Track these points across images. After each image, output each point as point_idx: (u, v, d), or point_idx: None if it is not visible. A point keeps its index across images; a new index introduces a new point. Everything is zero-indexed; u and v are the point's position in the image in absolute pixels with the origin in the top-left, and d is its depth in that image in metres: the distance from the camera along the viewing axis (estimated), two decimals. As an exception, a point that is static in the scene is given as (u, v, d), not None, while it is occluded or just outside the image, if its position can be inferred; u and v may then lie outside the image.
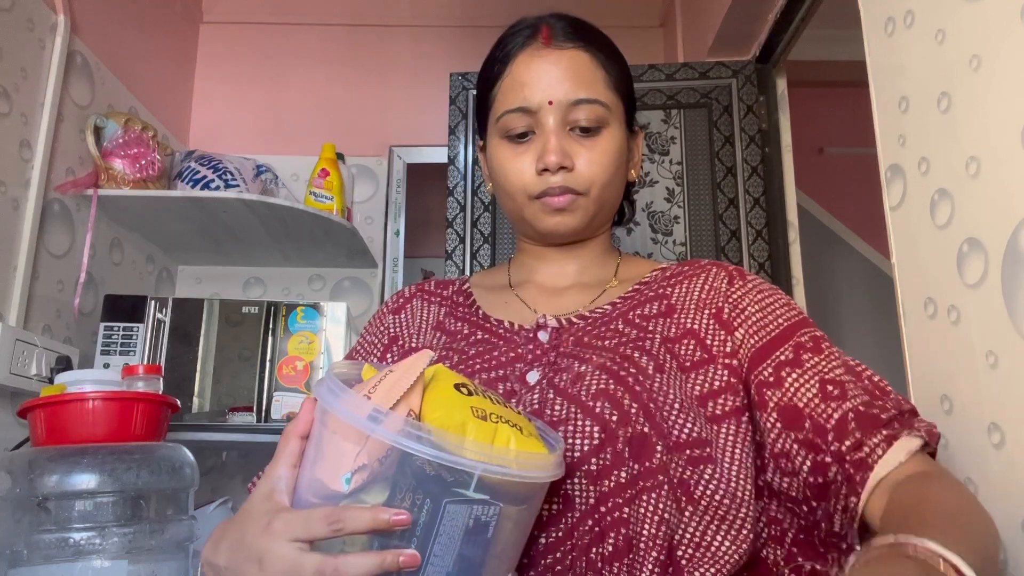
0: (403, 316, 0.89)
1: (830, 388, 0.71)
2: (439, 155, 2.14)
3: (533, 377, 0.75)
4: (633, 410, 0.69)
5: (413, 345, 0.86)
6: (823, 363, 0.74)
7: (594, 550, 0.66)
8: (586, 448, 0.68)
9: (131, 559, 1.04)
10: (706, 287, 0.82)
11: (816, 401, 0.71)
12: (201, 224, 1.86)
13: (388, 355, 0.87)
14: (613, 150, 0.83)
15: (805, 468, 0.69)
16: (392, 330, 0.89)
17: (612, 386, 0.71)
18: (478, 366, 0.77)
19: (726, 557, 0.68)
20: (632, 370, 0.73)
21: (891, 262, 1.03)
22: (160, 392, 1.22)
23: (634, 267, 0.90)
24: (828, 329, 2.89)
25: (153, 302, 1.68)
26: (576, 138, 0.82)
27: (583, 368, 0.73)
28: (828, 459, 0.68)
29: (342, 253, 2.08)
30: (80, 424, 1.10)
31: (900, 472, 0.66)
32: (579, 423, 0.69)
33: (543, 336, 0.79)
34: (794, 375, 0.73)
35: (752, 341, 0.76)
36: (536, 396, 0.72)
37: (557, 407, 0.70)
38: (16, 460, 1.07)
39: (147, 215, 1.81)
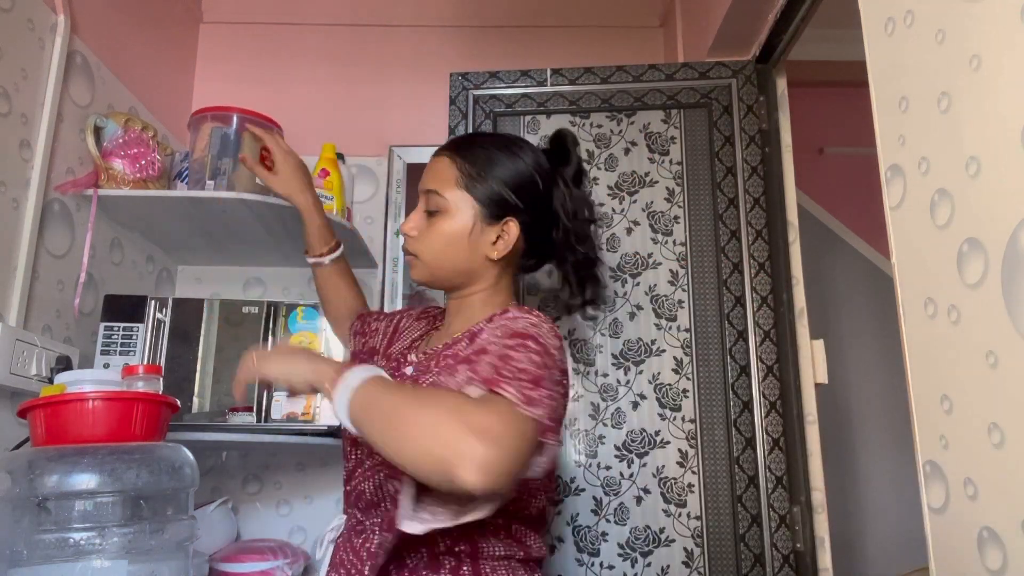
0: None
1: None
2: (439, 155, 2.14)
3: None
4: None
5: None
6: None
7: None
8: None
9: (131, 559, 1.04)
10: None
11: None
12: (201, 224, 1.86)
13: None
14: (445, 231, 1.14)
15: None
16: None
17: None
18: None
19: None
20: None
21: (891, 262, 1.03)
22: (160, 392, 1.22)
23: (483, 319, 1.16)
24: (828, 329, 2.84)
25: (153, 302, 1.68)
26: (428, 216, 1.16)
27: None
28: None
29: (342, 253, 2.08)
30: (80, 424, 1.10)
31: None
32: None
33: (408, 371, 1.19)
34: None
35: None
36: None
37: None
38: (16, 460, 1.07)
39: (147, 215, 1.81)
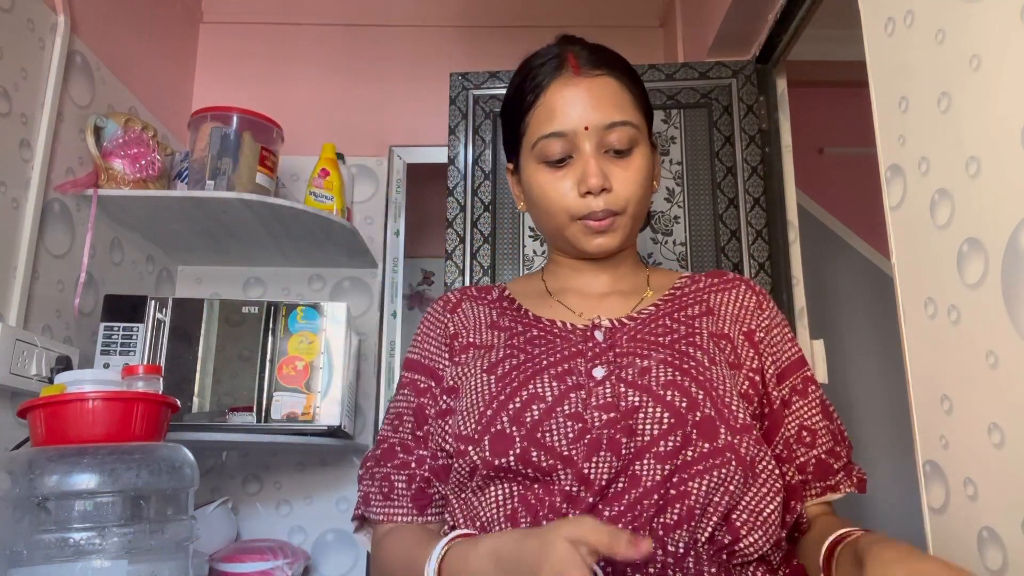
0: (458, 315, 0.95)
1: (804, 435, 0.88)
2: (439, 155, 2.14)
3: (599, 372, 0.81)
4: (700, 396, 0.78)
5: (472, 340, 0.90)
6: (807, 407, 0.89)
7: (656, 520, 0.74)
8: (656, 432, 0.76)
9: (131, 559, 1.04)
10: (738, 303, 0.92)
11: (794, 441, 0.87)
12: (201, 224, 1.86)
13: (454, 350, 0.91)
14: (645, 168, 0.88)
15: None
16: (451, 327, 0.94)
17: (679, 377, 0.79)
18: (544, 362, 0.83)
19: (774, 523, 0.77)
20: (692, 363, 0.81)
21: (891, 262, 1.03)
22: (160, 392, 1.22)
23: (662, 277, 0.98)
24: (828, 329, 2.85)
25: (153, 302, 1.68)
26: (611, 159, 0.87)
27: (647, 363, 0.81)
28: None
29: (342, 253, 2.08)
30: (80, 424, 1.10)
31: (817, 508, 0.89)
32: (650, 410, 0.77)
33: (599, 335, 0.85)
34: (801, 402, 0.89)
35: (776, 367, 0.89)
36: (608, 389, 0.79)
37: (630, 397, 0.78)
38: (16, 460, 1.07)
39: (147, 215, 1.81)
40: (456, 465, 0.81)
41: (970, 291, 0.84)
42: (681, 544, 0.73)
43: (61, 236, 1.61)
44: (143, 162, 1.72)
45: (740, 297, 0.92)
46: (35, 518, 1.03)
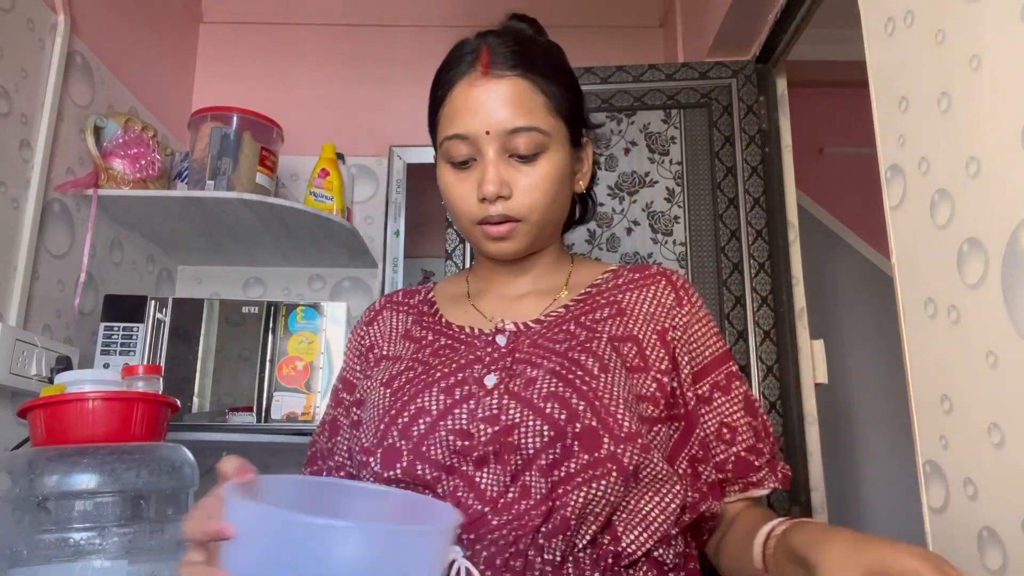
0: (375, 327, 0.96)
1: (724, 431, 0.86)
2: (439, 155, 2.14)
3: (491, 381, 0.81)
4: (581, 407, 0.76)
5: (385, 353, 0.92)
6: (729, 403, 0.87)
7: (540, 530, 0.74)
8: (537, 445, 0.76)
9: (131, 559, 1.04)
10: (654, 301, 0.89)
11: (714, 439, 0.86)
12: (201, 224, 1.86)
13: (368, 363, 0.93)
14: (552, 174, 0.85)
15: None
16: (367, 340, 0.96)
17: (561, 388, 0.78)
18: (438, 373, 0.83)
19: (655, 520, 0.77)
20: (579, 372, 0.79)
21: (891, 262, 1.03)
22: (160, 392, 1.22)
23: (585, 272, 0.95)
24: (828, 329, 2.85)
25: (153, 302, 1.68)
26: (515, 164, 0.84)
27: (535, 373, 0.80)
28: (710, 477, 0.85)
29: (342, 253, 2.08)
30: (80, 424, 1.10)
31: (739, 505, 0.87)
32: (530, 423, 0.76)
33: (501, 340, 0.85)
34: (723, 399, 0.87)
35: (692, 365, 0.87)
36: (494, 401, 0.79)
37: (512, 411, 0.77)
38: (16, 460, 1.07)
39: (147, 215, 1.81)
40: (361, 476, 0.83)
41: (970, 291, 0.84)
42: (558, 552, 0.74)
43: (61, 236, 1.61)
44: (143, 162, 1.72)
45: (658, 294, 0.89)
46: (35, 518, 1.03)
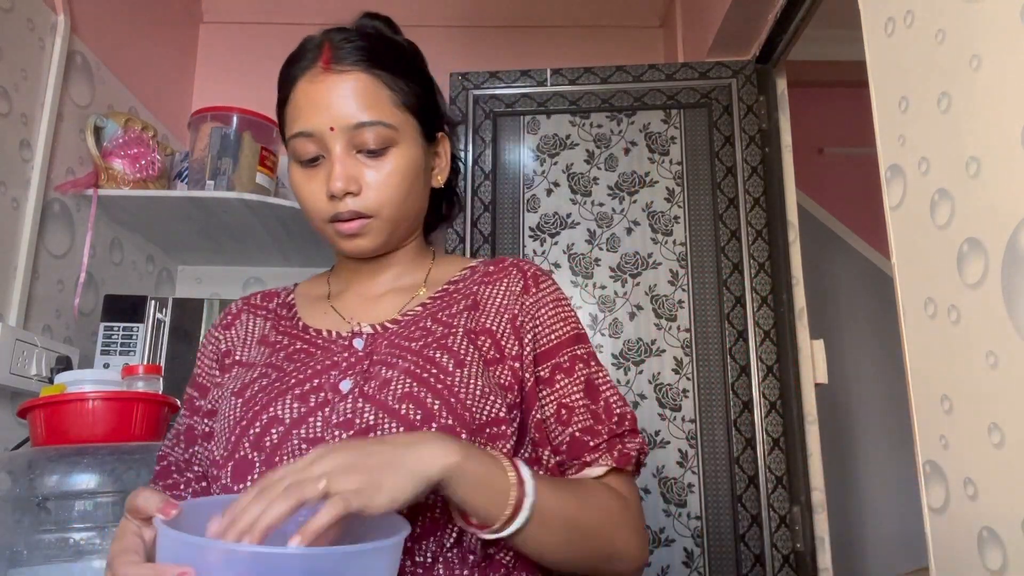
0: (232, 331, 0.92)
1: (562, 412, 0.83)
2: (439, 155, 2.14)
3: (346, 386, 0.78)
4: (436, 406, 0.75)
5: (239, 359, 0.88)
6: (570, 385, 0.85)
7: (412, 533, 0.72)
8: None
9: (131, 559, 1.04)
10: (506, 293, 0.88)
11: (553, 421, 0.84)
12: (201, 224, 1.86)
13: (223, 369, 0.89)
14: (402, 168, 0.84)
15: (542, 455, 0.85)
16: (223, 345, 0.91)
17: (415, 388, 0.76)
18: (293, 380, 0.80)
19: None
20: (434, 370, 0.78)
21: (891, 262, 1.03)
22: (160, 392, 1.22)
23: (445, 268, 0.94)
24: (828, 329, 2.85)
25: (153, 302, 1.68)
26: (364, 160, 0.83)
27: (389, 373, 0.78)
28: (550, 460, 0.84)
29: (342, 253, 2.08)
30: (80, 424, 1.10)
31: None
32: (386, 426, 0.74)
33: (358, 343, 0.83)
34: (565, 380, 0.85)
35: (536, 346, 0.85)
36: (348, 405, 0.76)
37: (367, 414, 0.75)
38: (16, 460, 1.07)
39: (147, 215, 1.81)
40: (212, 491, 0.79)
41: (970, 291, 0.84)
42: (428, 554, 0.73)
43: (61, 236, 1.61)
44: (143, 162, 1.72)
45: (509, 285, 0.88)
46: (35, 518, 1.03)
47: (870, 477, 2.68)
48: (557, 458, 0.83)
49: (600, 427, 0.83)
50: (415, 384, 0.77)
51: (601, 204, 1.85)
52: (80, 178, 1.65)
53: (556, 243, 1.84)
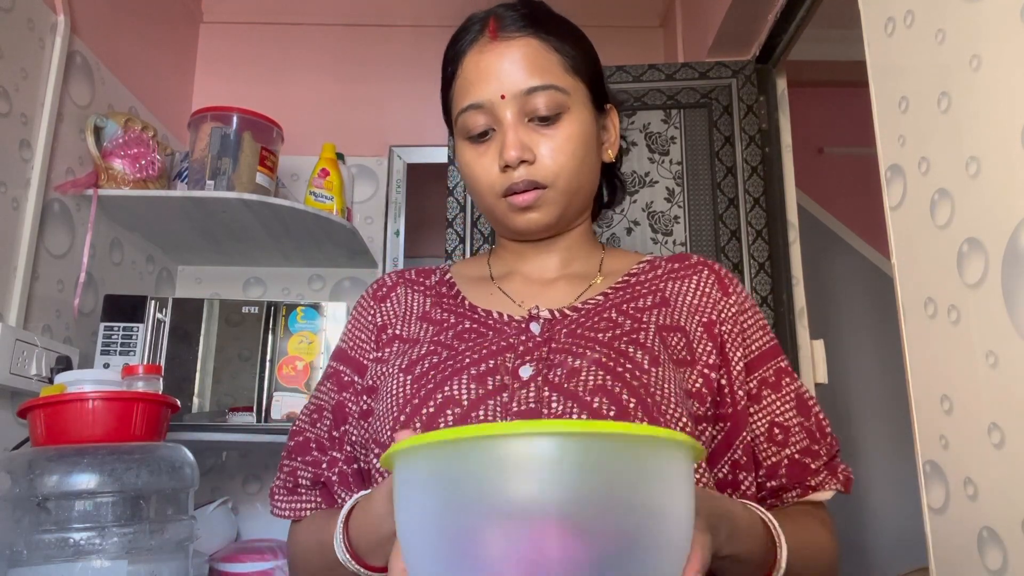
0: (388, 304, 0.87)
1: (776, 432, 0.78)
2: (439, 155, 2.14)
3: (526, 372, 0.73)
4: (631, 405, 0.69)
5: (399, 333, 0.83)
6: (779, 401, 0.80)
7: None
8: None
9: (131, 559, 1.04)
10: (699, 292, 0.82)
11: (764, 440, 0.78)
12: (201, 224, 1.86)
13: (381, 344, 0.84)
14: (577, 135, 0.79)
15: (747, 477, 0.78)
16: (379, 318, 0.86)
17: (609, 382, 0.71)
18: (467, 359, 0.75)
19: None
20: (628, 365, 0.72)
21: (891, 262, 1.03)
22: (160, 392, 1.22)
23: (619, 260, 0.89)
24: (828, 329, 2.85)
25: (153, 302, 1.68)
26: (536, 128, 0.79)
27: (578, 363, 0.73)
28: (764, 483, 0.79)
29: (342, 253, 2.08)
30: (80, 424, 1.10)
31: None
32: (577, 418, 0.69)
33: (535, 328, 0.77)
34: (773, 396, 0.80)
35: (745, 358, 0.80)
36: (532, 393, 0.71)
37: (554, 403, 0.70)
38: (16, 460, 1.07)
39: (147, 215, 1.81)
40: (372, 468, 0.75)
41: (970, 291, 0.84)
42: None
43: (61, 236, 1.61)
44: (143, 162, 1.72)
45: (702, 284, 0.82)
46: (35, 518, 1.03)
47: (870, 477, 2.68)
48: (773, 482, 0.78)
49: (818, 447, 0.79)
50: (608, 377, 0.71)
51: (601, 204, 1.85)
52: (80, 178, 1.65)
53: (556, 243, 1.84)
